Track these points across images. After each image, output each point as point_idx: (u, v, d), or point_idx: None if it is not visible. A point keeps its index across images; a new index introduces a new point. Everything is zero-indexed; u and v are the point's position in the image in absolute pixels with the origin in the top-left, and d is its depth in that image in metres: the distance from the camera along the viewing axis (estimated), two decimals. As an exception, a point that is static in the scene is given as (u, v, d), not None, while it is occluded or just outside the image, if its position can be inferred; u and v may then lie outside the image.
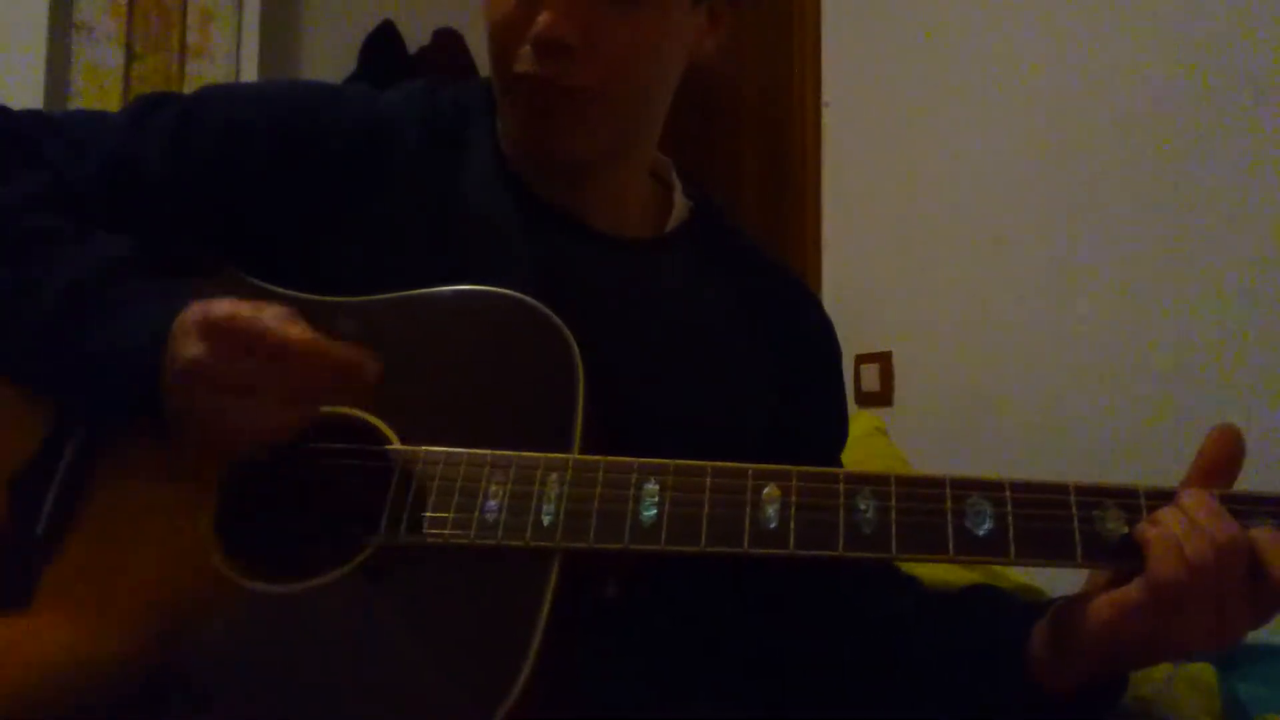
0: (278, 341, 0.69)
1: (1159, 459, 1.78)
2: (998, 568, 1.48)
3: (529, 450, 0.73)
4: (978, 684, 0.76)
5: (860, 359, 2.45)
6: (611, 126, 0.86)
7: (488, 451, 0.73)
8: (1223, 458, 0.68)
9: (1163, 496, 0.66)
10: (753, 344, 0.94)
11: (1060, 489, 0.67)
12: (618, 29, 0.82)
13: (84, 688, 0.72)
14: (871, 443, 1.87)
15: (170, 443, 0.74)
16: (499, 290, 0.79)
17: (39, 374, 0.79)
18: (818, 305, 1.04)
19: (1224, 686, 1.33)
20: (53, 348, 0.77)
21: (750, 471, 0.70)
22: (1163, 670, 1.29)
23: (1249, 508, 0.65)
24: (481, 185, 0.88)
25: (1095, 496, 0.67)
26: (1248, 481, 0.69)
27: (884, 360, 2.44)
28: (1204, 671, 1.33)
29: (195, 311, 0.71)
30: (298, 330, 0.69)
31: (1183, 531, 0.64)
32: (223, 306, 0.71)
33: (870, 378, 2.45)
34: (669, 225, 0.96)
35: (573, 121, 0.84)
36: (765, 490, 0.70)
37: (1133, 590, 0.66)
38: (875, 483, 0.69)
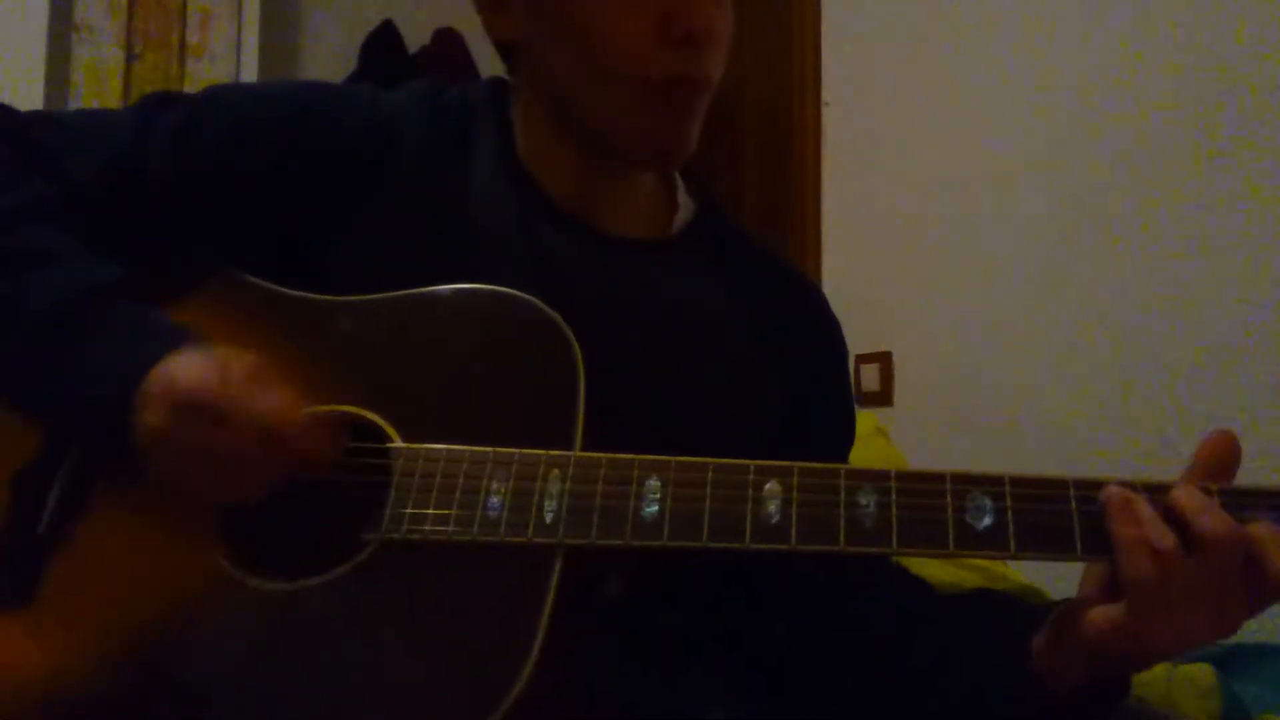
0: (239, 422, 0.72)
1: (1159, 459, 1.79)
2: (999, 568, 1.48)
3: (530, 448, 0.73)
4: (983, 685, 0.75)
5: (860, 359, 2.45)
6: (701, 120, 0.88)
7: (489, 449, 0.73)
8: (1218, 462, 0.68)
9: (1160, 490, 0.66)
10: (759, 344, 0.94)
11: (1060, 483, 0.67)
12: (727, 19, 0.85)
13: (86, 685, 0.72)
14: (871, 443, 1.87)
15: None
16: (500, 289, 0.79)
17: (13, 399, 0.80)
18: (824, 304, 1.03)
19: (1224, 686, 1.33)
20: (25, 375, 0.78)
21: (752, 467, 0.70)
22: (1163, 669, 1.29)
23: (1247, 502, 0.65)
24: (486, 185, 0.87)
25: (1094, 490, 0.67)
26: (1248, 481, 0.69)
27: (884, 360, 2.44)
28: (1204, 671, 1.34)
29: (161, 378, 0.73)
30: (259, 411, 0.72)
31: (1154, 532, 0.64)
32: (187, 376, 0.73)
33: (870, 378, 2.45)
34: (675, 225, 0.96)
35: (699, 114, 0.86)
36: (767, 486, 0.70)
37: (1118, 603, 0.66)
38: (876, 478, 0.69)
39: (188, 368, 0.73)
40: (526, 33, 0.88)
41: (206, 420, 0.71)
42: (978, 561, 1.46)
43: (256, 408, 0.72)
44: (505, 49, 0.92)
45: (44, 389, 0.77)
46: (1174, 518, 0.65)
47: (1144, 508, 0.65)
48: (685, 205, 0.97)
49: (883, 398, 2.43)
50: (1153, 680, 1.29)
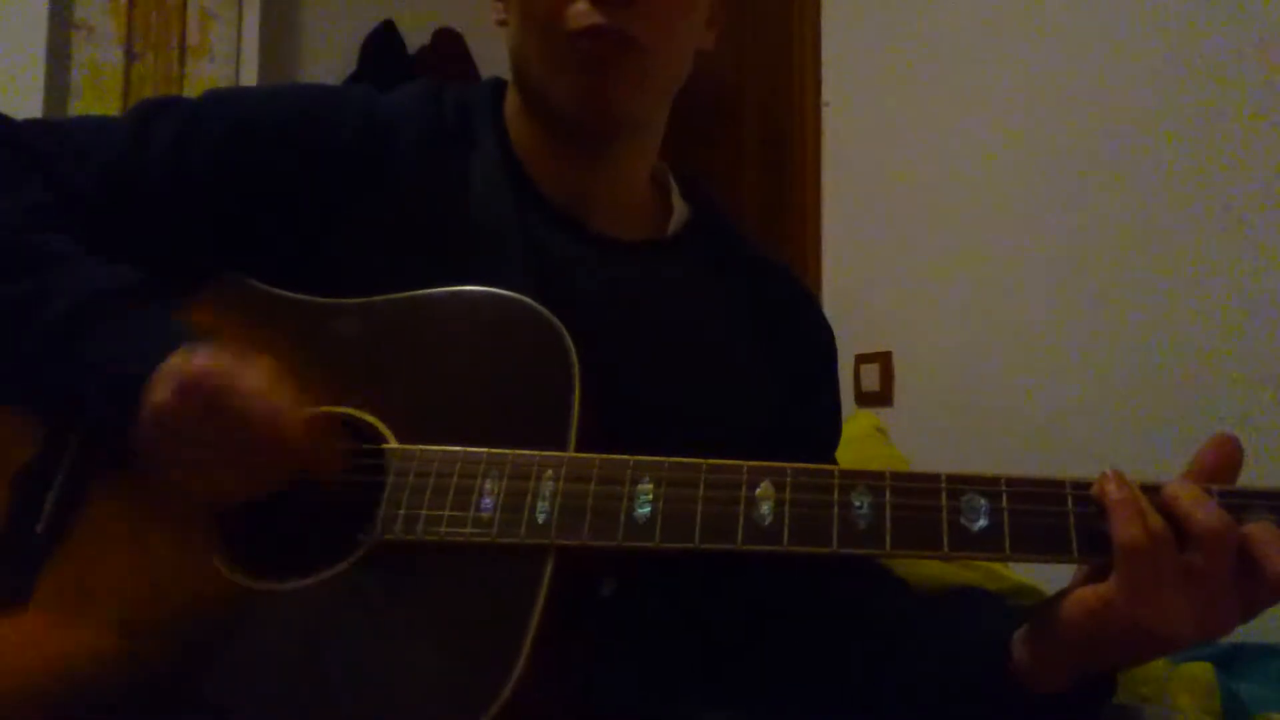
0: (245, 411, 0.71)
1: (1159, 459, 1.78)
2: (998, 567, 1.48)
3: (526, 448, 0.73)
4: (961, 688, 0.75)
5: (860, 359, 2.45)
6: (656, 86, 0.89)
7: (483, 450, 0.73)
8: (1219, 465, 0.67)
9: (1156, 490, 0.66)
10: (753, 347, 0.94)
11: (1056, 484, 0.67)
12: None
13: (83, 684, 0.72)
14: (871, 443, 1.86)
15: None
16: (497, 290, 0.79)
17: (22, 393, 0.80)
18: (817, 308, 1.04)
19: (1224, 686, 1.33)
20: (42, 368, 0.77)
21: (745, 468, 0.70)
22: (1162, 669, 1.29)
23: (1246, 502, 0.65)
24: (485, 186, 0.88)
25: (1090, 490, 0.67)
26: (1247, 483, 0.68)
27: (884, 360, 2.44)
28: (1204, 671, 1.33)
29: (176, 361, 0.73)
30: (267, 404, 0.72)
31: (1146, 504, 0.64)
32: (201, 361, 0.72)
33: (870, 378, 2.45)
34: (670, 229, 0.96)
35: (628, 74, 0.85)
36: (759, 487, 0.69)
37: (1110, 579, 0.66)
38: (870, 479, 0.68)
39: (199, 356, 0.73)
40: (507, 9, 0.91)
41: (210, 404, 0.71)
42: (980, 561, 1.46)
43: (265, 400, 0.72)
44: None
45: (60, 378, 0.77)
46: (1169, 513, 0.64)
47: (1137, 489, 0.65)
48: (680, 208, 0.98)
49: (883, 398, 2.43)
50: (1152, 679, 1.28)
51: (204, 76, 2.76)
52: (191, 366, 0.72)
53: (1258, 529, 0.63)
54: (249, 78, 2.82)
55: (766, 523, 0.68)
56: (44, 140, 0.86)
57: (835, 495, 0.68)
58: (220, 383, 0.71)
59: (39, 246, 0.80)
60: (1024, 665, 0.71)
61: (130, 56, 2.68)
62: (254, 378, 0.72)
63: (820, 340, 1.01)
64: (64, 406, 0.79)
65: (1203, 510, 0.63)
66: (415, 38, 3.08)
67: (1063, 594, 0.69)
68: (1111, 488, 0.65)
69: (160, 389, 0.72)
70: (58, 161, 0.85)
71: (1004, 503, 0.66)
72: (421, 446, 0.75)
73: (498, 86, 0.96)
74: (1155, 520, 0.63)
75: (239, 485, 0.74)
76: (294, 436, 0.72)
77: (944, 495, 0.67)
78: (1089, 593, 0.66)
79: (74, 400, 0.77)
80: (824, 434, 0.99)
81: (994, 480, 0.67)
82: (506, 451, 0.73)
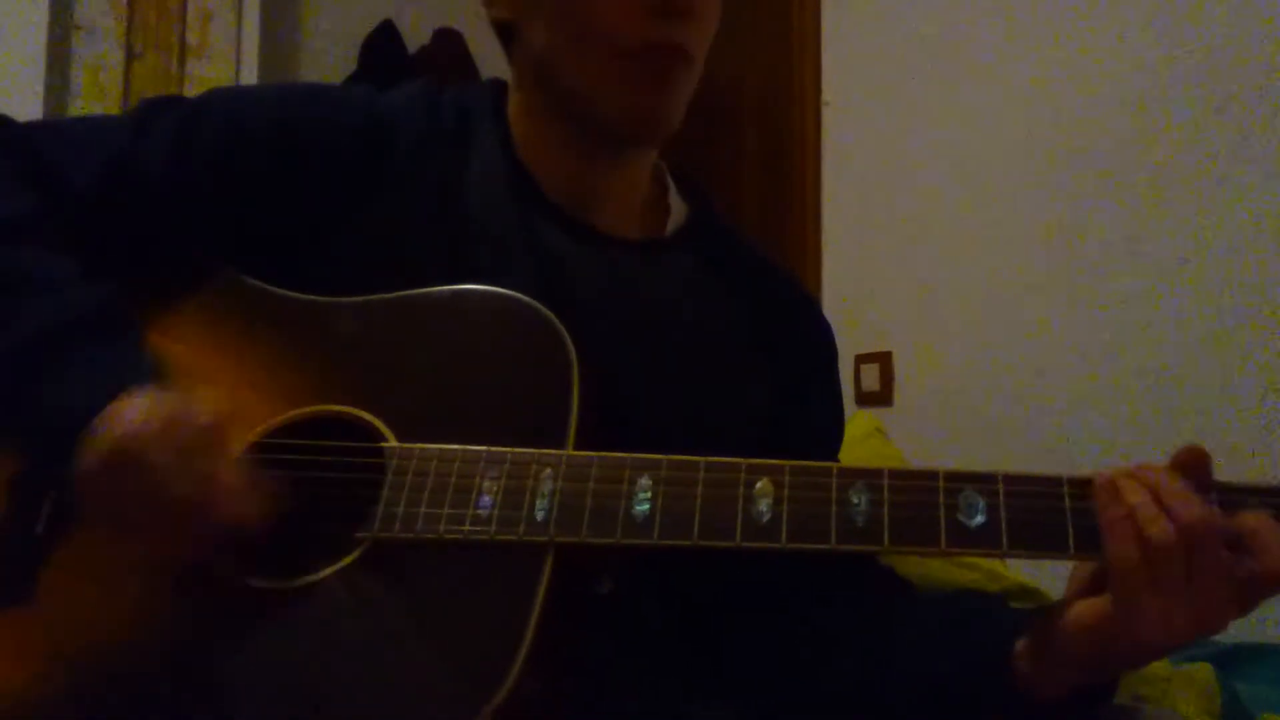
0: (168, 484, 0.69)
1: (1158, 459, 1.78)
2: (998, 566, 1.48)
3: (524, 447, 0.73)
4: (963, 694, 0.75)
5: (860, 359, 2.45)
6: (690, 94, 0.88)
7: (482, 448, 0.73)
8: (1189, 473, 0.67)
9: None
10: (752, 346, 0.94)
11: (1053, 481, 0.67)
12: (711, 1, 0.85)
13: (83, 685, 0.72)
14: (871, 443, 1.86)
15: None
16: (496, 289, 0.79)
17: None
18: (816, 308, 1.04)
19: (1224, 686, 1.33)
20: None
21: (743, 466, 0.70)
22: (1163, 669, 1.29)
23: (1241, 498, 0.65)
24: (485, 185, 0.88)
25: (1087, 487, 0.67)
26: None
27: (884, 360, 2.44)
28: (1204, 671, 1.33)
29: (104, 424, 0.71)
30: (192, 471, 0.70)
31: (1144, 515, 0.64)
32: (129, 425, 0.70)
33: (870, 378, 2.45)
34: (668, 227, 0.96)
35: (682, 87, 0.86)
36: (758, 484, 0.70)
37: (1104, 594, 0.66)
38: (868, 476, 0.69)
39: (132, 414, 0.71)
40: (519, 11, 0.89)
41: (137, 474, 0.70)
42: (980, 562, 1.46)
43: (189, 467, 0.70)
44: (504, 33, 0.93)
45: (3, 420, 0.77)
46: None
47: (1132, 490, 0.65)
48: (678, 207, 0.98)
49: (883, 398, 2.43)
50: (1153, 680, 1.28)
51: (204, 76, 2.75)
52: (115, 437, 0.70)
53: (1252, 519, 0.64)
54: (249, 78, 2.81)
55: (765, 520, 0.68)
56: (44, 140, 0.86)
57: (833, 492, 0.68)
58: (143, 450, 0.69)
59: (8, 264, 0.79)
60: (1026, 675, 0.72)
61: (130, 56, 2.67)
62: (186, 436, 0.71)
63: (820, 342, 1.01)
64: (12, 451, 0.78)
65: (1183, 503, 0.63)
66: (415, 38, 3.08)
67: (1062, 606, 0.69)
68: (1105, 499, 0.65)
69: (90, 456, 0.70)
70: (58, 161, 0.85)
71: (1001, 499, 0.67)
72: (420, 445, 0.75)
73: (498, 86, 0.96)
74: (1151, 529, 0.63)
75: (169, 547, 0.73)
76: (222, 503, 0.71)
77: (941, 492, 0.68)
78: (1086, 610, 0.67)
79: (16, 450, 0.77)
80: (825, 436, 0.99)
81: (991, 477, 0.68)
82: (505, 450, 0.73)
